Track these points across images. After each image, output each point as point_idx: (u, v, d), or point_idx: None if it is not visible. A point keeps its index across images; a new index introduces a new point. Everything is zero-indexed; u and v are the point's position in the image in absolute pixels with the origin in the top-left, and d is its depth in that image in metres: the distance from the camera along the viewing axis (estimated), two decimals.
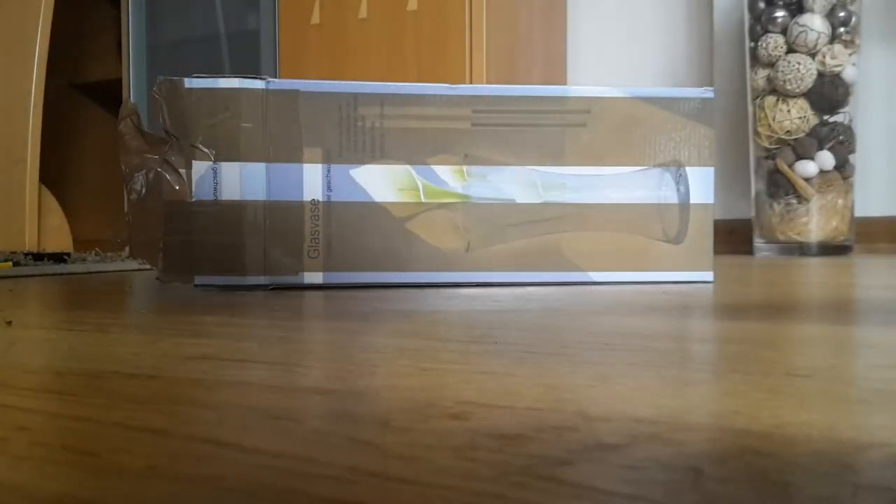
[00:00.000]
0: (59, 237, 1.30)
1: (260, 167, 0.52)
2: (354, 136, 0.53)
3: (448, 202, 0.53)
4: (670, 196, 0.55)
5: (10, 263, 0.78)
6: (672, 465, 0.12)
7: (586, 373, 0.20)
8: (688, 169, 0.55)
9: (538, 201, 0.54)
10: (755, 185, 1.26)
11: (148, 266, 0.50)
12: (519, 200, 0.54)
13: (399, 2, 1.31)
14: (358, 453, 0.13)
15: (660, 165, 0.55)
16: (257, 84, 0.52)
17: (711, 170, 0.56)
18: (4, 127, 1.25)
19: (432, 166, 0.53)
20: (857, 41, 1.18)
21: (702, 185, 0.56)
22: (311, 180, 0.52)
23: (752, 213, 1.27)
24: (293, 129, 0.52)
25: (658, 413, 0.16)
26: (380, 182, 0.53)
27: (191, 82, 0.52)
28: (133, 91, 1.56)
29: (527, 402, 0.17)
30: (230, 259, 0.52)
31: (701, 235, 0.56)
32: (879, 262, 0.93)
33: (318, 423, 0.16)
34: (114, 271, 0.81)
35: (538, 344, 0.26)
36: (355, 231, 0.53)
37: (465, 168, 0.54)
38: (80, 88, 1.96)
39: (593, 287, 0.52)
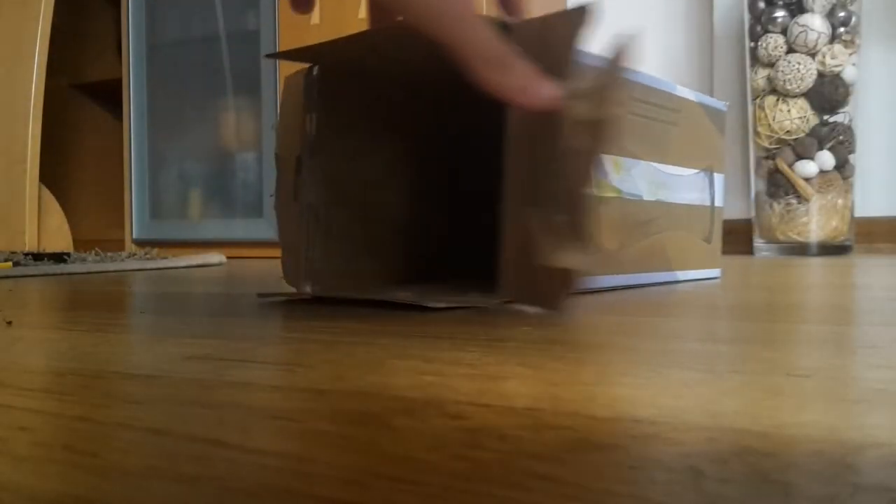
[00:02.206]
0: (59, 237, 1.30)
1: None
2: None
3: (609, 196, 0.48)
4: (707, 199, 0.59)
5: (10, 263, 0.78)
6: (672, 465, 0.12)
7: (586, 373, 0.20)
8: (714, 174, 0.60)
9: (654, 199, 0.52)
10: (755, 185, 1.26)
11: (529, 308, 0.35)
12: (645, 197, 0.51)
13: None
14: (358, 453, 0.13)
15: (703, 170, 0.58)
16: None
17: (723, 176, 0.61)
18: (4, 127, 1.25)
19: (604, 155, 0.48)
20: (857, 41, 1.18)
21: (719, 189, 0.61)
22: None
23: (752, 213, 1.27)
24: None
25: (658, 413, 0.16)
26: None
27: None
28: (133, 91, 1.56)
29: (527, 402, 0.17)
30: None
31: (719, 235, 0.61)
32: (879, 262, 0.93)
33: (318, 423, 0.16)
34: (114, 271, 0.81)
35: (539, 343, 0.26)
36: None
37: (619, 160, 0.48)
38: (80, 88, 1.96)
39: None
